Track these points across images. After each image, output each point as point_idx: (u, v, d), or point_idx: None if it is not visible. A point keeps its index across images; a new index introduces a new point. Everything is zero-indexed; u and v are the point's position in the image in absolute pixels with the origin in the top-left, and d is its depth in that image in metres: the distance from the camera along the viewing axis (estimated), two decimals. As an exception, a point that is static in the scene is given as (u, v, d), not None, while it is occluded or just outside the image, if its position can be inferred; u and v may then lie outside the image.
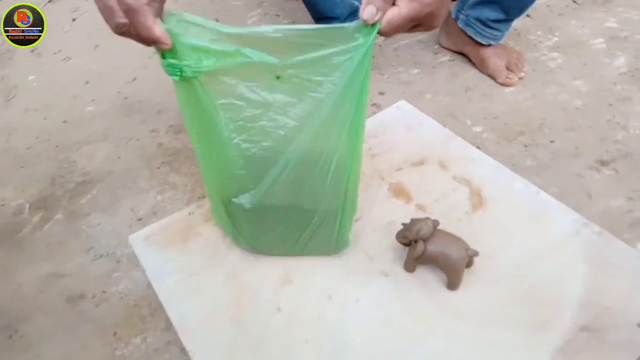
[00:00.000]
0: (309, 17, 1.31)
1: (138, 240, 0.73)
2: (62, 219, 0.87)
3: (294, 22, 1.36)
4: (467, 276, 0.63)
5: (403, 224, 0.65)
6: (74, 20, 1.45)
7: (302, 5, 1.41)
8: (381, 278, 0.65)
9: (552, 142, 0.91)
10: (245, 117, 0.54)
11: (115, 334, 0.69)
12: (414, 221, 0.62)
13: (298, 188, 0.58)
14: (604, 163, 0.86)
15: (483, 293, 0.62)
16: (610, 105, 0.97)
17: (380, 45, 1.24)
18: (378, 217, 0.73)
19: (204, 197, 0.79)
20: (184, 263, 0.69)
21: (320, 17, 1.13)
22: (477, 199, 0.74)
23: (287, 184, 0.57)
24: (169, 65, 0.50)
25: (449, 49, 1.18)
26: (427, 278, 0.64)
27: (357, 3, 1.13)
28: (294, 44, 0.50)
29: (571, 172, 0.84)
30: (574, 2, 1.30)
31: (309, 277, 0.66)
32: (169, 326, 0.69)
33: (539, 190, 0.74)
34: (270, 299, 0.64)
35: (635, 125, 0.92)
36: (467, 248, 0.61)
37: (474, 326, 0.59)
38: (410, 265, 0.64)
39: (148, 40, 0.49)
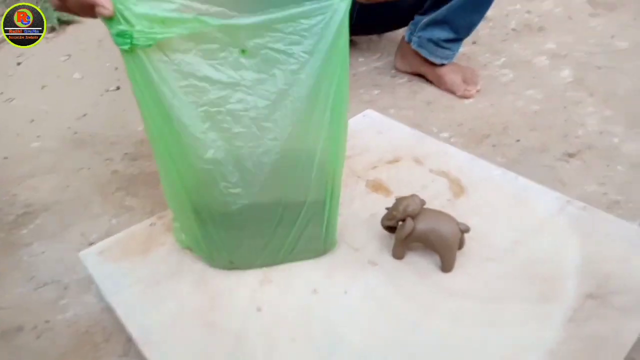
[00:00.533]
0: None
1: (90, 255, 0.64)
2: (-2, 252, 0.76)
3: None
4: (460, 258, 0.59)
5: (387, 208, 0.60)
6: (18, 64, 1.39)
7: None
8: (369, 267, 0.59)
9: (518, 141, 0.92)
10: (210, 100, 0.49)
11: (61, 365, 0.58)
12: (399, 199, 0.58)
13: (282, 180, 0.52)
14: (571, 155, 0.86)
15: (479, 272, 0.58)
16: (564, 107, 1.01)
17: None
18: (359, 211, 0.68)
19: (167, 209, 0.72)
20: (145, 273, 0.60)
21: None
22: (458, 188, 0.72)
23: (269, 176, 0.51)
24: (118, 33, 0.45)
25: (405, 72, 1.21)
26: (419, 263, 0.59)
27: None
28: (258, 2, 0.47)
29: (542, 164, 0.85)
30: (513, 30, 1.39)
31: (289, 274, 0.59)
32: (127, 350, 0.59)
33: (517, 176, 0.73)
34: (248, 299, 0.56)
35: (592, 123, 0.95)
36: (458, 223, 0.57)
37: (476, 304, 0.54)
38: (398, 250, 0.59)
39: (86, 5, 0.44)
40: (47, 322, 0.63)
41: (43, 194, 0.90)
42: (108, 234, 0.78)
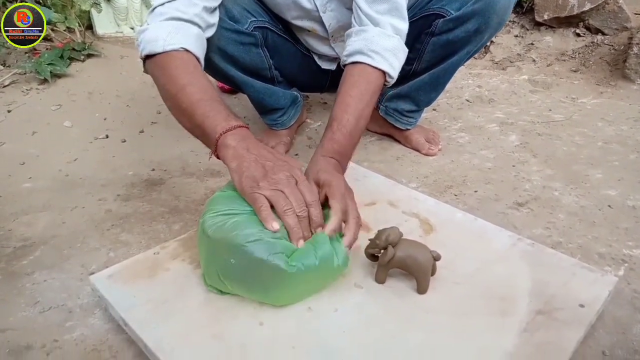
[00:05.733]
0: (248, 109, 1.45)
1: (100, 279, 0.70)
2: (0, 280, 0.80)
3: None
4: (432, 281, 0.69)
5: (370, 239, 0.70)
6: (9, 111, 1.45)
7: (241, 101, 1.57)
8: (356, 290, 0.68)
9: (475, 191, 1.05)
10: None
11: (70, 380, 0.62)
12: (381, 230, 0.68)
13: None
14: (520, 204, 1.01)
15: (449, 293, 0.68)
16: (513, 166, 1.17)
17: (316, 130, 1.40)
18: (343, 243, 0.78)
19: (167, 240, 0.79)
20: (154, 294, 0.67)
21: (266, 110, 1.25)
22: (427, 226, 0.83)
23: None
24: None
25: (375, 132, 1.35)
26: (398, 286, 0.69)
27: (296, 92, 1.29)
28: None
29: (497, 211, 0.98)
30: (467, 100, 1.60)
31: (286, 295, 0.67)
32: (134, 366, 0.64)
33: (476, 218, 0.85)
34: (250, 316, 0.63)
35: (537, 179, 1.11)
36: (431, 251, 0.67)
37: (447, 319, 0.63)
38: (380, 275, 0.69)
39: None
40: (55, 341, 0.67)
41: (39, 229, 0.95)
42: (107, 265, 0.83)
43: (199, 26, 0.86)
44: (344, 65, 0.93)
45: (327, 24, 1.11)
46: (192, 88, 0.75)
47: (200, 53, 0.85)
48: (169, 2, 0.83)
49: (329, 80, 1.32)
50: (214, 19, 0.93)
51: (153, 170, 1.16)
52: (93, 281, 0.69)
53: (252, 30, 1.06)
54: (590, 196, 1.04)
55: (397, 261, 0.67)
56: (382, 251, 0.68)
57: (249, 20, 1.06)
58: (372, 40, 0.89)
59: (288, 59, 1.22)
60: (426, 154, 1.23)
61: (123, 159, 1.23)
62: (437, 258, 0.68)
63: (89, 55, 1.72)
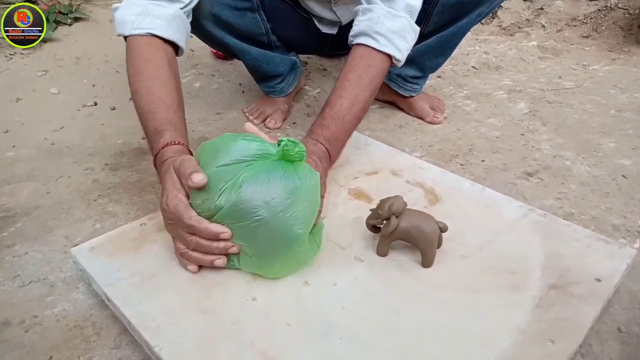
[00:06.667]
0: (244, 76, 1.39)
1: (82, 251, 0.65)
2: (-23, 252, 0.75)
3: (228, 81, 1.42)
4: (439, 254, 0.64)
5: (371, 209, 0.65)
6: (-8, 77, 1.38)
7: (236, 67, 1.49)
8: (356, 263, 0.64)
9: (482, 161, 1.00)
10: None
11: (50, 358, 0.58)
12: (384, 200, 0.63)
13: None
14: (530, 174, 0.95)
15: (456, 267, 0.63)
16: (522, 135, 1.11)
17: (315, 97, 1.33)
18: (343, 214, 0.73)
19: (157, 210, 0.74)
20: (139, 267, 0.62)
21: (263, 77, 1.18)
22: (433, 197, 0.78)
23: None
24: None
25: (377, 99, 1.29)
26: (401, 260, 0.64)
27: (294, 58, 1.22)
28: None
29: (505, 181, 0.93)
30: (473, 67, 1.52)
31: (281, 269, 0.62)
32: (118, 343, 0.59)
33: (484, 188, 0.80)
34: (242, 290, 0.59)
35: (547, 148, 1.05)
36: (438, 222, 0.62)
37: (454, 294, 0.59)
38: (383, 247, 0.64)
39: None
40: (35, 317, 0.63)
41: (22, 199, 0.90)
42: (92, 237, 0.78)
43: (175, 2, 0.80)
44: (351, 45, 0.87)
45: None
46: (143, 93, 0.72)
47: (176, 35, 0.79)
48: None
49: (329, 44, 1.25)
50: None
51: (143, 138, 1.10)
52: (74, 254, 0.64)
53: None
54: (603, 166, 0.99)
55: (400, 232, 0.62)
56: (384, 222, 0.63)
57: None
58: (377, 21, 0.81)
59: (286, 23, 1.14)
60: (431, 122, 1.17)
61: (112, 127, 1.18)
62: (443, 229, 0.63)
63: (77, 19, 1.64)
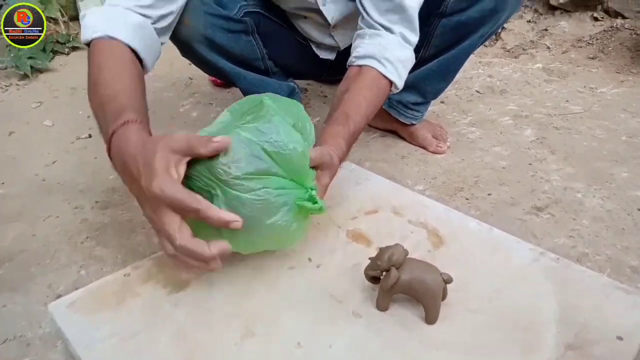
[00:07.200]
0: (243, 102, 1.35)
1: (59, 307, 0.61)
2: (-47, 305, 0.71)
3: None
4: (444, 308, 0.59)
5: (370, 258, 0.61)
6: (-15, 109, 1.36)
7: (235, 95, 1.46)
8: (353, 320, 0.59)
9: (489, 194, 0.95)
10: None
11: None
12: (383, 249, 0.59)
13: None
14: (540, 209, 0.90)
15: (463, 323, 0.58)
16: (530, 164, 1.06)
17: (315, 125, 1.29)
18: (341, 261, 0.68)
19: (142, 259, 0.70)
20: (120, 326, 0.57)
21: None
22: (436, 239, 0.73)
23: None
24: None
25: (377, 128, 1.25)
26: (403, 314, 0.59)
27: (292, 84, 1.19)
28: None
29: (513, 217, 0.88)
30: (477, 92, 1.49)
31: (273, 326, 0.58)
32: (96, 412, 0.55)
33: (491, 228, 0.75)
34: (230, 354, 0.54)
35: (556, 179, 1.00)
36: (441, 273, 0.58)
37: (462, 356, 0.53)
38: (383, 301, 0.59)
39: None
40: (6, 382, 0.58)
41: (7, 242, 0.86)
42: (76, 286, 0.74)
43: (145, 16, 0.76)
44: (350, 66, 0.87)
45: (328, 17, 1.01)
46: (101, 85, 0.67)
47: (139, 45, 0.74)
48: None
49: (327, 69, 1.22)
50: (171, 7, 0.81)
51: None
52: (51, 310, 0.60)
53: (242, 16, 0.97)
54: (616, 198, 0.93)
55: (401, 286, 0.57)
56: (384, 273, 0.58)
57: (239, 5, 0.97)
58: (387, 48, 0.84)
59: (283, 48, 1.12)
60: (434, 152, 1.12)
61: (105, 161, 1.10)
62: (448, 281, 0.58)
63: (74, 48, 1.63)
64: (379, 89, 0.85)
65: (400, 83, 0.87)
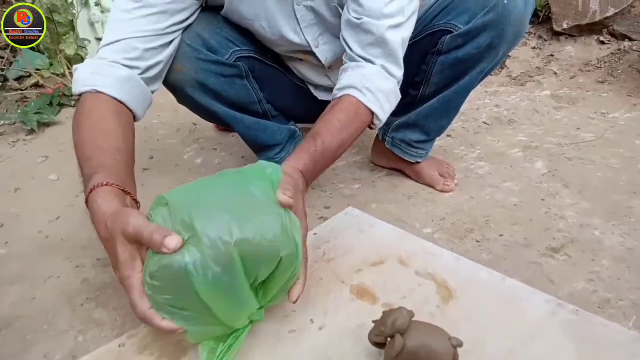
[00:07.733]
0: (246, 148, 1.34)
1: (50, 386, 0.58)
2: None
3: (231, 154, 1.38)
4: (455, 374, 0.55)
5: (374, 321, 0.57)
6: (-8, 166, 1.37)
7: (239, 139, 1.46)
8: (358, 390, 0.55)
9: (501, 235, 0.91)
10: None
11: None
12: (386, 313, 0.55)
13: None
14: (555, 250, 0.86)
15: (477, 391, 0.53)
16: (542, 200, 1.02)
17: (318, 168, 1.27)
18: (344, 321, 0.65)
19: (137, 327, 0.67)
20: (111, 406, 0.54)
21: (261, 148, 1.13)
22: (446, 292, 0.69)
23: None
24: None
25: (383, 167, 1.22)
26: (411, 383, 0.55)
27: (293, 127, 1.17)
28: None
29: (527, 260, 0.83)
30: (485, 123, 1.46)
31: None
32: None
33: (504, 277, 0.71)
34: None
35: (571, 215, 0.96)
36: (450, 337, 0.54)
37: None
38: (389, 369, 0.55)
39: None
40: None
41: (5, 307, 0.84)
42: (73, 354, 0.72)
43: (132, 67, 0.79)
44: (334, 98, 0.87)
45: (322, 59, 1.01)
46: (80, 145, 0.71)
47: (126, 97, 0.77)
48: (110, 44, 0.78)
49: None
50: (159, 57, 0.83)
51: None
52: (41, 390, 0.57)
53: (234, 61, 0.97)
54: (637, 234, 0.88)
55: (407, 354, 0.53)
56: (388, 339, 0.55)
57: (230, 50, 0.96)
58: (368, 78, 0.83)
59: (280, 90, 1.11)
60: (441, 191, 1.09)
61: None
62: (457, 345, 0.54)
63: (81, 100, 1.65)
64: (357, 115, 0.83)
65: (381, 114, 0.86)
